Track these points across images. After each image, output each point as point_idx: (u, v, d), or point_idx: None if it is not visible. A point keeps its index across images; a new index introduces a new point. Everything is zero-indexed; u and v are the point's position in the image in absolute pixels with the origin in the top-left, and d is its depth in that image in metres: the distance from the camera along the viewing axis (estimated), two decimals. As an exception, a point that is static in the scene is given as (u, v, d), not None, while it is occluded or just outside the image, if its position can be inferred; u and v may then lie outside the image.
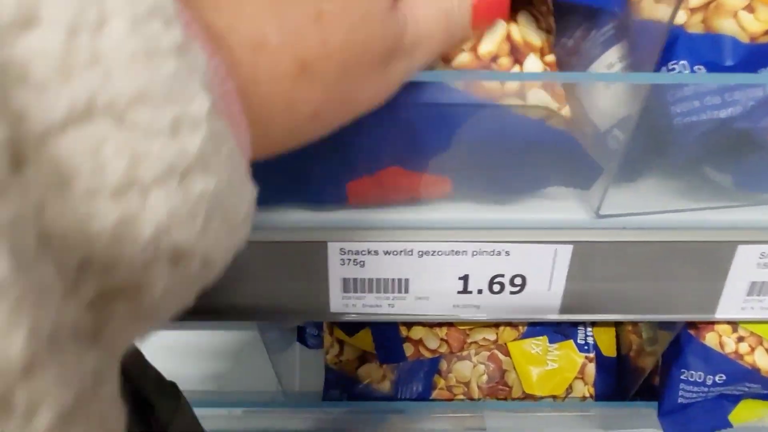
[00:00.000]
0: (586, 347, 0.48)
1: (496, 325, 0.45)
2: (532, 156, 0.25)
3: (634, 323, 0.47)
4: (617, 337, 0.49)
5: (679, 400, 0.41)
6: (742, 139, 0.24)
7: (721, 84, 0.23)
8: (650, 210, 0.28)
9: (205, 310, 0.29)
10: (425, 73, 0.21)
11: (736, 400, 0.42)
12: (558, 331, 0.48)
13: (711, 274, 0.28)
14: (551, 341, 0.48)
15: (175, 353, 0.54)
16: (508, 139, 0.24)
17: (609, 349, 0.48)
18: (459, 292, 0.29)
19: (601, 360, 0.48)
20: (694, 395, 0.41)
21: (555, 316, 0.30)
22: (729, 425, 0.42)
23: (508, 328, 0.45)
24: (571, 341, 0.48)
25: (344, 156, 0.25)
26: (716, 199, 0.28)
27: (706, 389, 0.41)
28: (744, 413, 0.42)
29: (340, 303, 0.29)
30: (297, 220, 0.28)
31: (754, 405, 0.43)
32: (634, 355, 0.48)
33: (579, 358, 0.47)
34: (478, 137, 0.24)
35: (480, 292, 0.29)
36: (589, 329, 0.48)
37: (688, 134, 0.24)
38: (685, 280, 0.29)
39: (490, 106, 0.23)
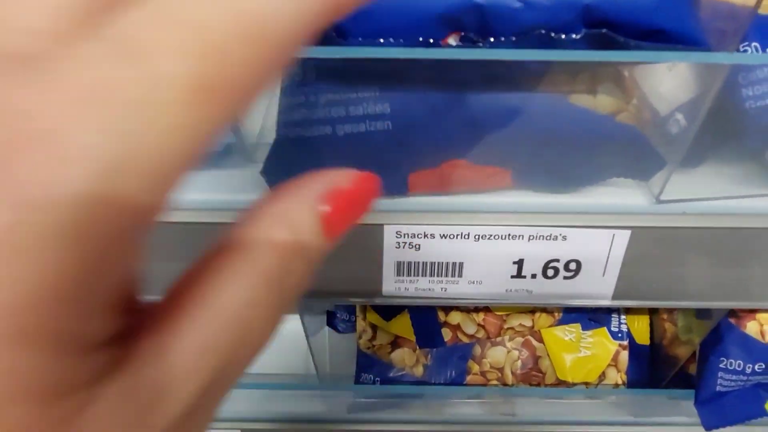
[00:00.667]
0: (619, 335, 0.48)
1: (532, 311, 0.45)
2: (597, 150, 0.25)
3: (670, 311, 0.47)
4: (651, 325, 0.48)
5: (717, 389, 0.41)
6: (814, 123, 0.24)
7: (796, 67, 0.23)
8: (712, 195, 0.27)
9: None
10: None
11: (772, 389, 0.42)
12: (592, 318, 0.47)
13: (769, 261, 0.28)
14: (585, 328, 0.48)
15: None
16: (575, 133, 0.24)
17: (642, 337, 0.48)
18: (513, 277, 0.29)
19: (634, 348, 0.48)
20: (732, 384, 0.41)
21: (607, 302, 0.30)
22: (766, 414, 0.42)
23: (544, 315, 0.45)
24: (605, 329, 0.48)
25: (409, 149, 0.25)
26: (776, 185, 0.28)
27: (744, 378, 0.41)
28: (781, 402, 0.42)
29: (393, 286, 0.29)
30: (353, 202, 0.28)
31: (791, 394, 0.43)
32: (668, 344, 0.47)
33: (612, 345, 0.47)
34: (544, 132, 0.24)
35: (534, 276, 0.29)
36: (622, 317, 0.48)
37: (761, 119, 0.23)
38: (743, 267, 0.28)
39: (559, 101, 0.23)
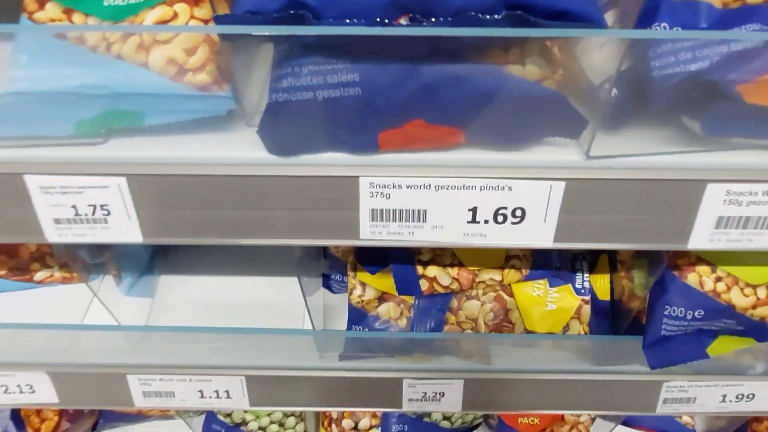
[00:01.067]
0: (582, 291, 0.53)
1: (501, 267, 0.51)
2: (530, 111, 0.30)
3: (628, 270, 0.52)
4: (611, 283, 0.54)
5: (662, 333, 0.46)
6: (708, 89, 0.29)
7: (693, 42, 0.28)
8: (633, 153, 0.33)
9: (254, 232, 0.34)
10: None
11: (713, 335, 0.48)
12: (558, 276, 0.53)
13: (684, 208, 0.33)
14: (551, 285, 0.53)
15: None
16: (510, 97, 0.29)
17: (603, 294, 0.54)
18: (468, 222, 0.34)
19: (596, 303, 0.53)
20: (676, 328, 0.46)
21: (549, 245, 0.35)
22: (706, 356, 0.47)
23: (512, 270, 0.51)
24: (569, 285, 0.53)
25: (376, 112, 0.30)
26: (690, 144, 0.33)
27: (686, 323, 0.46)
28: (720, 347, 0.48)
29: (369, 230, 0.35)
30: (335, 159, 0.33)
31: (730, 340, 0.48)
32: (626, 300, 0.53)
33: (576, 300, 0.53)
34: (485, 96, 0.29)
35: (486, 222, 0.34)
36: (586, 275, 0.53)
37: (664, 84, 0.29)
38: (662, 214, 0.34)
39: (496, 71, 0.28)
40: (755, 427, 0.76)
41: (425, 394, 0.57)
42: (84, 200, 0.34)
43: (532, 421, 0.75)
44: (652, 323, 0.47)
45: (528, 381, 0.55)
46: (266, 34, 0.26)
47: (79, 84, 0.33)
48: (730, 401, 0.57)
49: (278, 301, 0.61)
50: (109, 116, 0.33)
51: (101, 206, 0.34)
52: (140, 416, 0.81)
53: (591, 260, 0.55)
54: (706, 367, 0.55)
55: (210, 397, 0.58)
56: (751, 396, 0.57)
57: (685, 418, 0.83)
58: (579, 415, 0.75)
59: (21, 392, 0.58)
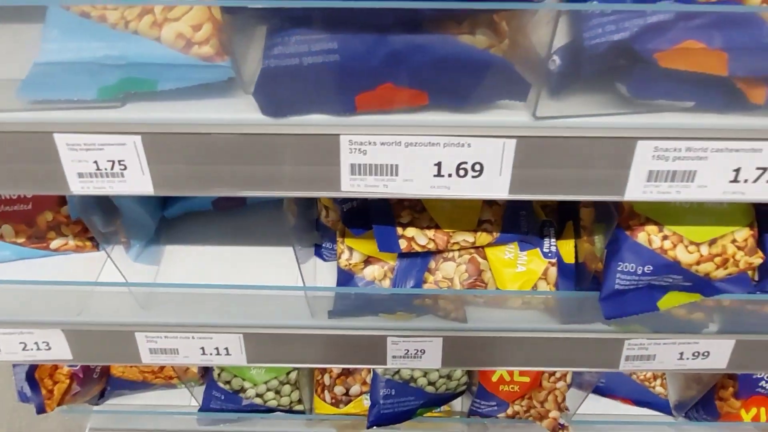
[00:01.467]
0: (549, 254, 0.58)
1: (474, 230, 0.56)
2: (481, 74, 0.36)
3: (590, 234, 0.58)
4: (575, 247, 0.59)
5: (616, 287, 0.52)
6: (631, 56, 0.35)
7: (616, 16, 0.34)
8: (574, 114, 0.38)
9: (250, 185, 0.40)
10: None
11: (663, 291, 0.53)
12: (527, 240, 0.58)
13: (619, 163, 0.39)
14: (521, 249, 0.58)
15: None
16: (462, 62, 0.35)
17: (569, 257, 0.59)
18: (435, 176, 0.40)
19: (561, 265, 0.58)
20: (628, 283, 0.52)
21: (505, 195, 0.41)
22: (656, 309, 0.53)
23: (484, 233, 0.56)
24: (538, 249, 0.58)
25: (353, 76, 0.36)
26: (623, 106, 0.38)
27: (636, 278, 0.51)
28: (670, 301, 0.53)
29: (349, 183, 0.40)
30: (319, 119, 0.39)
31: (679, 295, 0.53)
32: (588, 262, 0.58)
33: (543, 263, 0.58)
34: (443, 61, 0.35)
35: (450, 175, 0.40)
36: (552, 240, 0.59)
37: (593, 51, 0.34)
38: (601, 168, 0.39)
39: (451, 40, 0.34)
40: (721, 395, 0.81)
41: (407, 351, 0.62)
42: (104, 156, 0.39)
43: (511, 388, 0.80)
44: (607, 278, 0.52)
45: (501, 339, 0.61)
46: (259, 6, 0.31)
47: (101, 55, 0.38)
48: (687, 358, 0.62)
49: (274, 268, 0.66)
50: (127, 83, 0.39)
51: (119, 161, 0.40)
52: (145, 384, 0.87)
53: (557, 227, 0.60)
54: (663, 326, 0.60)
55: (211, 354, 0.63)
56: (706, 353, 0.62)
57: (658, 389, 0.88)
58: (555, 381, 0.80)
59: (38, 349, 0.64)
